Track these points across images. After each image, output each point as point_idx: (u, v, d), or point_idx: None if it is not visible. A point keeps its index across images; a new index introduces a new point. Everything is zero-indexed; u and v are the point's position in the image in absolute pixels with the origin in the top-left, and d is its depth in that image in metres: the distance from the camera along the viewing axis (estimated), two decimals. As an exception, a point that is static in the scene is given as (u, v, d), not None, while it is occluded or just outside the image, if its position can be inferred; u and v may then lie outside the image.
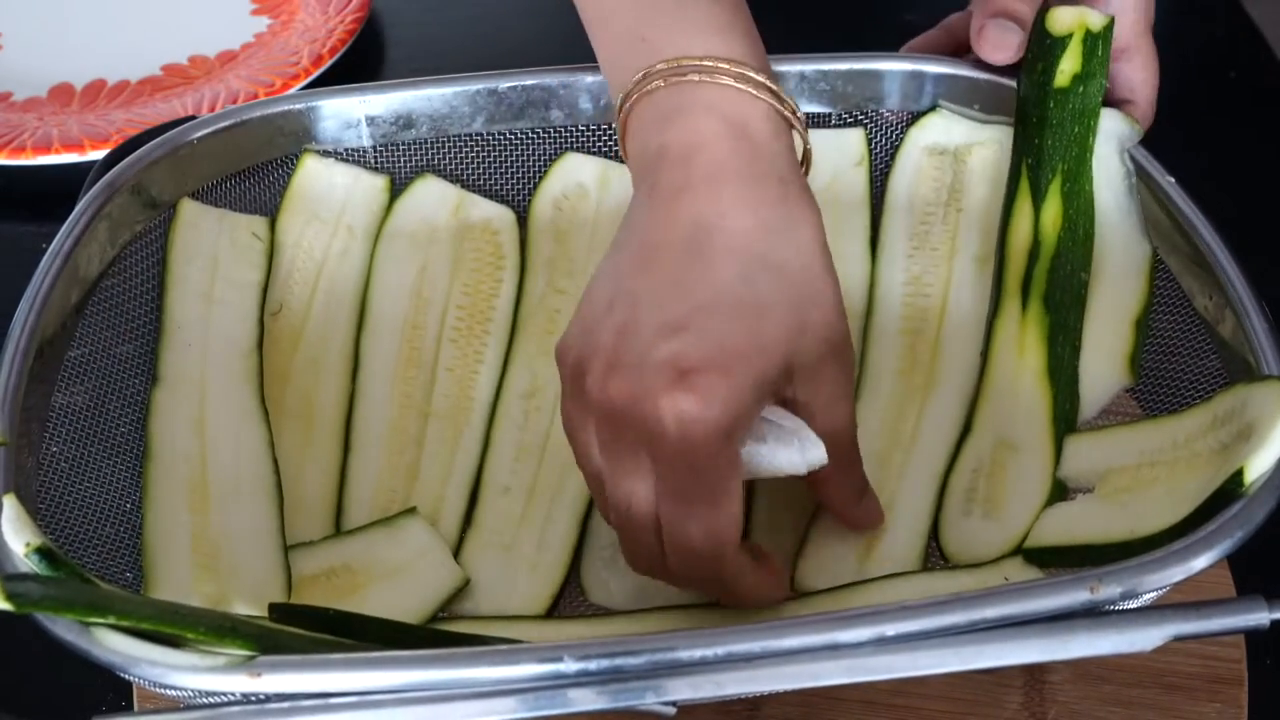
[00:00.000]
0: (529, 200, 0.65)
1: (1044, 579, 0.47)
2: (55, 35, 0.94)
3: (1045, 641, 0.42)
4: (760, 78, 0.50)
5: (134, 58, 0.91)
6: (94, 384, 0.55)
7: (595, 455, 0.48)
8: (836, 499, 0.53)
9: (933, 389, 0.60)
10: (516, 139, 0.65)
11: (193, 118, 0.62)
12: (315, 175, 0.64)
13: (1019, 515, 0.55)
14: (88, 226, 0.56)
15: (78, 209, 0.57)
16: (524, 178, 0.66)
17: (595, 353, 0.47)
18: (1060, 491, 0.55)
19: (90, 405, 0.54)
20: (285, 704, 0.41)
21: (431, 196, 0.65)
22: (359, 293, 0.63)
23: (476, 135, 0.65)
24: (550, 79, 0.64)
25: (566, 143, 0.65)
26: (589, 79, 0.64)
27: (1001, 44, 0.60)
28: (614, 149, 0.65)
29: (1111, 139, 0.59)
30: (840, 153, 0.65)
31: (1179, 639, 0.43)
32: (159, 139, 0.60)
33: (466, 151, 0.65)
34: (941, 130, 0.64)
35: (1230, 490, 0.45)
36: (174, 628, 0.41)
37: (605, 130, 0.65)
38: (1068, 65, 0.59)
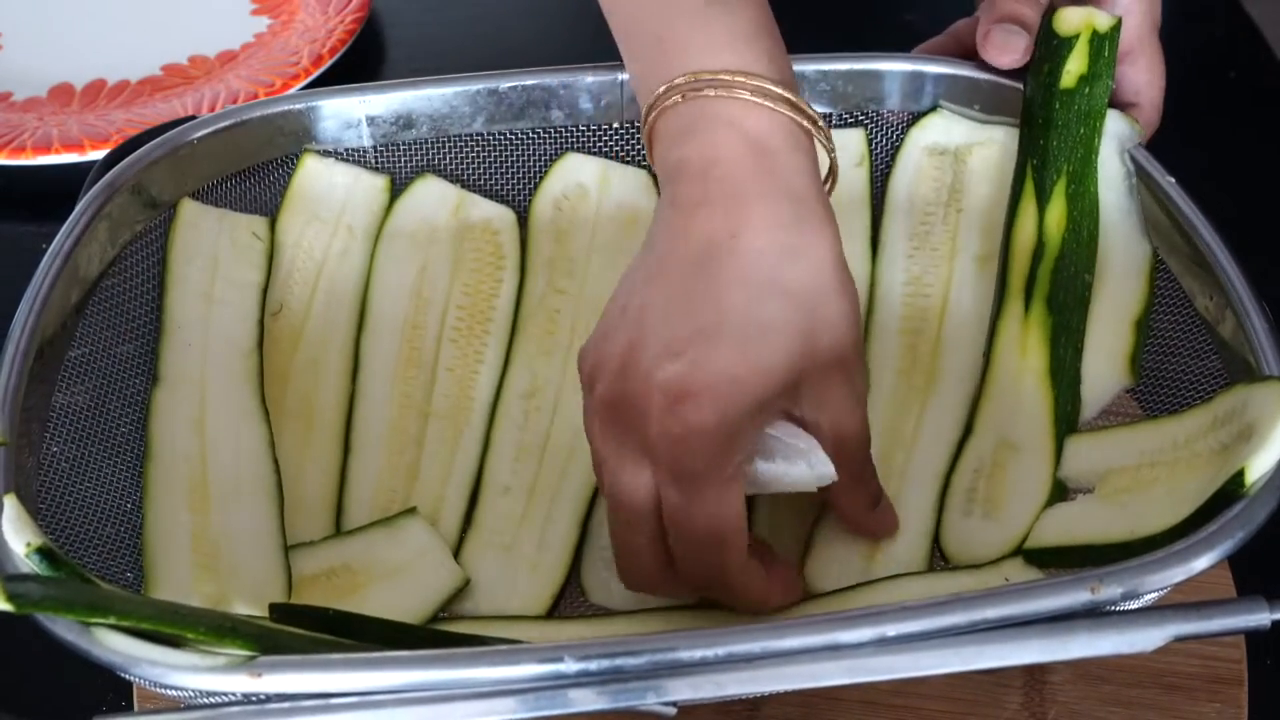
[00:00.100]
0: (529, 200, 0.65)
1: (1044, 579, 0.47)
2: (55, 35, 0.94)
3: (1045, 642, 0.42)
4: (779, 90, 0.49)
5: (134, 58, 0.91)
6: (94, 384, 0.55)
7: (602, 457, 0.50)
8: (848, 510, 0.53)
9: (933, 389, 0.60)
10: (517, 139, 0.65)
11: (193, 118, 0.62)
12: (315, 175, 0.64)
13: (1019, 516, 0.55)
14: (88, 226, 0.56)
15: (78, 209, 0.57)
16: (524, 178, 0.66)
17: (604, 364, 0.49)
18: (1060, 492, 0.55)
19: (90, 405, 0.54)
20: (285, 704, 0.41)
21: (431, 196, 0.65)
22: (359, 293, 0.63)
23: (477, 135, 0.65)
24: (550, 79, 0.64)
25: (567, 143, 0.65)
26: (589, 79, 0.64)
27: (1007, 48, 0.60)
28: (614, 149, 0.65)
29: (1112, 139, 0.59)
30: (841, 153, 0.64)
31: (1179, 639, 0.43)
32: (159, 139, 0.60)
33: (467, 151, 0.65)
34: (942, 130, 0.64)
35: (1231, 491, 0.45)
36: (174, 628, 0.41)
37: (605, 130, 0.65)
38: (1074, 66, 0.59)
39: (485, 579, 0.56)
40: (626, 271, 0.51)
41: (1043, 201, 0.59)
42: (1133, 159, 0.59)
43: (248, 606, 0.51)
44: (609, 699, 0.41)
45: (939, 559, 0.55)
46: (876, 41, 0.67)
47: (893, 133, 0.65)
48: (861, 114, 0.65)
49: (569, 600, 0.55)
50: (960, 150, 0.64)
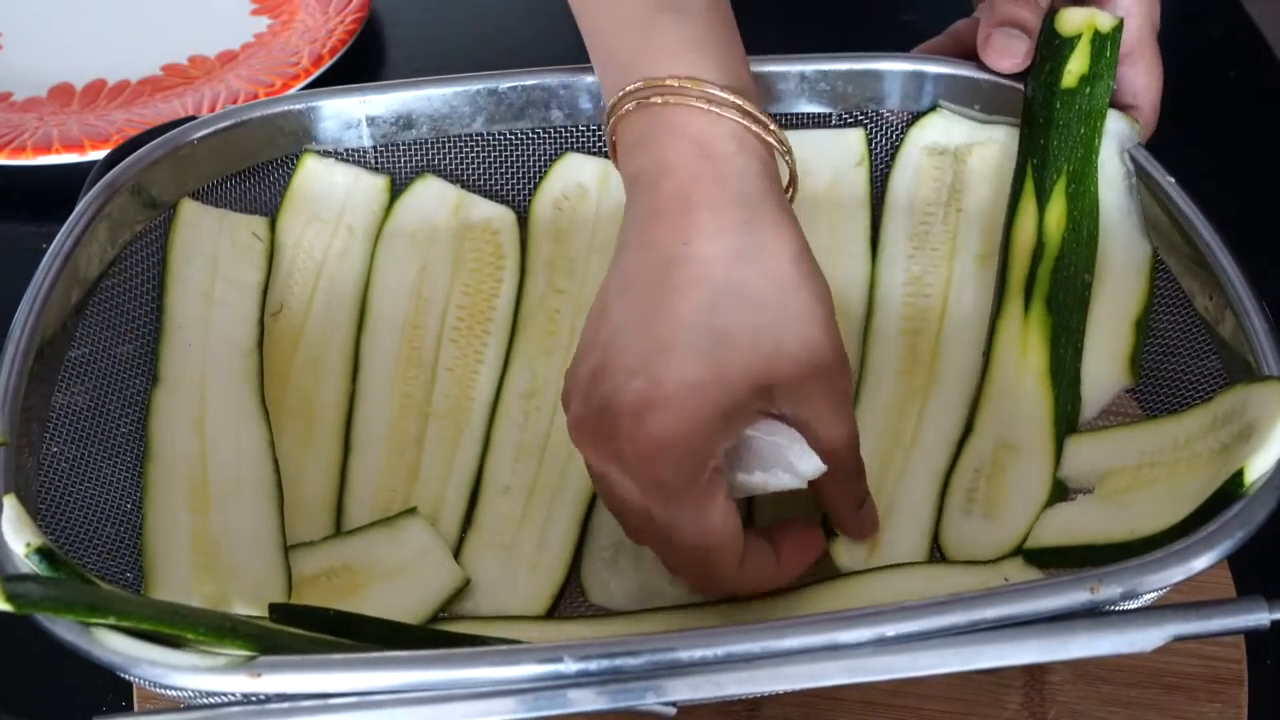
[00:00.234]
0: (529, 200, 0.65)
1: (1044, 579, 0.47)
2: (55, 35, 0.94)
3: (1045, 642, 0.42)
4: (727, 96, 0.49)
5: (134, 58, 0.91)
6: (94, 384, 0.55)
7: (594, 472, 0.51)
8: (835, 506, 0.53)
9: (933, 389, 0.60)
10: (516, 139, 0.65)
11: (193, 118, 0.62)
12: (315, 175, 0.64)
13: (1019, 516, 0.55)
14: (88, 226, 0.56)
15: (78, 209, 0.57)
16: (524, 178, 0.66)
17: (575, 389, 0.50)
18: (1060, 492, 0.55)
19: (90, 405, 0.54)
20: (285, 704, 0.41)
21: (431, 196, 0.65)
22: (359, 293, 0.63)
23: (477, 135, 0.65)
24: (550, 79, 0.64)
25: (566, 143, 0.65)
26: (589, 79, 0.64)
27: (1008, 52, 0.60)
28: (614, 149, 0.66)
29: (1112, 139, 0.59)
30: (840, 153, 0.65)
31: (1179, 639, 0.43)
32: (159, 139, 0.60)
33: (467, 151, 0.65)
34: (942, 130, 0.64)
35: (1230, 491, 0.45)
36: (174, 628, 0.41)
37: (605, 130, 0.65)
38: (1075, 66, 0.59)
39: (485, 579, 0.56)
40: (603, 281, 0.51)
41: (1043, 201, 0.59)
42: (1133, 159, 0.59)
43: (248, 607, 0.51)
44: (609, 699, 0.41)
45: (939, 559, 0.55)
46: (876, 41, 0.67)
47: (893, 133, 0.65)
48: (861, 114, 0.65)
49: (569, 600, 0.55)
50: (960, 150, 0.64)
